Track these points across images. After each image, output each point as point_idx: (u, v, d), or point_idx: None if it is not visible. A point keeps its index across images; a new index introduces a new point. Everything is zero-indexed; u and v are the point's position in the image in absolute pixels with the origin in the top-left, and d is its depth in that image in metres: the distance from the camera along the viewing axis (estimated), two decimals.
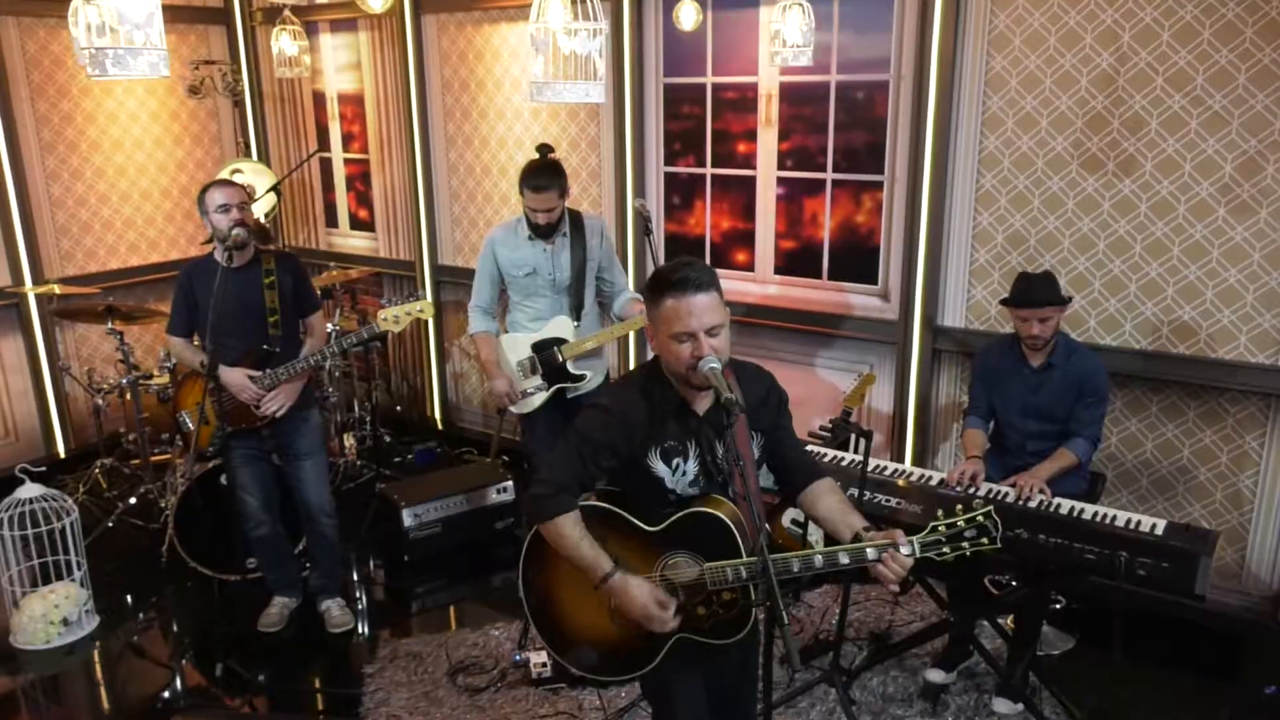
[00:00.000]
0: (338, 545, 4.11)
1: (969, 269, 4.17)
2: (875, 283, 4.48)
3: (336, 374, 5.38)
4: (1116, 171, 3.76)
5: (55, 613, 3.98)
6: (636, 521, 2.25)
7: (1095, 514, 3.15)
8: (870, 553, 2.06)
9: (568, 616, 2.38)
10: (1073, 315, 3.95)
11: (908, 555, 2.04)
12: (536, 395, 3.92)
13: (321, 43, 6.12)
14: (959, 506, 2.09)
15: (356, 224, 6.35)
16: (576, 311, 3.91)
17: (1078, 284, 3.92)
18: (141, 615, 4.27)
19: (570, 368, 3.90)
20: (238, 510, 3.93)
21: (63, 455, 5.71)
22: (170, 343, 3.90)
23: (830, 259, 4.58)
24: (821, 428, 4.09)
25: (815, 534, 3.92)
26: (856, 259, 4.50)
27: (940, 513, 2.08)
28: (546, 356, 3.90)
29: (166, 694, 3.70)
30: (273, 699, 3.65)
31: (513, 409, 3.99)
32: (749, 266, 4.82)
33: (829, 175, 4.48)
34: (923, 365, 4.32)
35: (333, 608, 4.10)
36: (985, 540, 2.03)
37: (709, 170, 4.81)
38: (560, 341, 3.89)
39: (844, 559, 2.08)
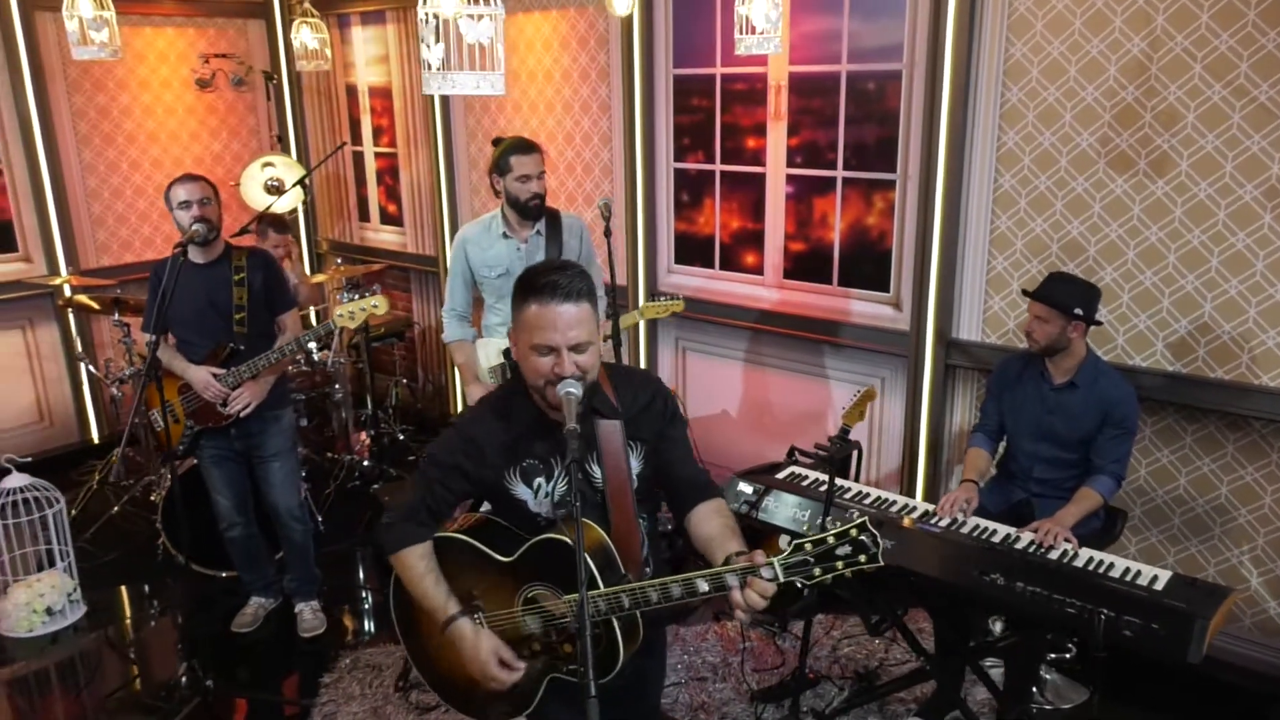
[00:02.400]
0: (309, 548, 4.02)
1: (985, 277, 3.79)
2: (887, 290, 4.14)
3: (342, 369, 5.32)
4: (1148, 171, 3.34)
5: (39, 602, 4.02)
6: (490, 552, 2.04)
7: (1090, 561, 2.78)
8: (730, 579, 1.79)
9: (443, 658, 2.19)
10: (1099, 331, 3.53)
11: (769, 580, 1.76)
12: None
13: (353, 36, 6.09)
14: (829, 520, 1.79)
15: (386, 218, 6.31)
16: None
17: (1105, 296, 3.48)
18: (129, 608, 4.29)
19: None
20: (212, 510, 3.90)
21: (96, 441, 5.85)
22: (145, 340, 3.88)
23: (840, 263, 4.26)
24: (818, 445, 3.79)
25: None
26: (867, 264, 4.17)
27: (808, 529, 1.79)
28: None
29: (132, 689, 3.69)
30: (209, 705, 3.56)
31: None
32: (758, 269, 4.53)
33: (839, 173, 4.15)
34: (935, 381, 3.96)
35: (305, 611, 4.03)
36: (863, 558, 1.72)
37: (718, 166, 4.54)
38: None
39: (704, 586, 1.81)
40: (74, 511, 4.86)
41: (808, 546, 1.75)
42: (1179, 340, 3.39)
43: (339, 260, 6.21)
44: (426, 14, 2.20)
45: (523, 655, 2.04)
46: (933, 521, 3.03)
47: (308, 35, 5.31)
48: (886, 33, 3.89)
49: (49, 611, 4.04)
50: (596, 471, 2.04)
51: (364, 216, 6.45)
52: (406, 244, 6.14)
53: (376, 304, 3.66)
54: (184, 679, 3.67)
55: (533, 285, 1.92)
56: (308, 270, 6.46)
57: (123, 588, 4.41)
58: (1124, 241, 3.44)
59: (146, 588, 4.41)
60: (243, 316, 3.70)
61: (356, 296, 3.79)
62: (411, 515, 2.05)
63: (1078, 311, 2.97)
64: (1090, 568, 2.75)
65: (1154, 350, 3.45)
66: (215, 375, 3.62)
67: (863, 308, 4.21)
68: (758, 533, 3.32)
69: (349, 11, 6.00)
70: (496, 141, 3.61)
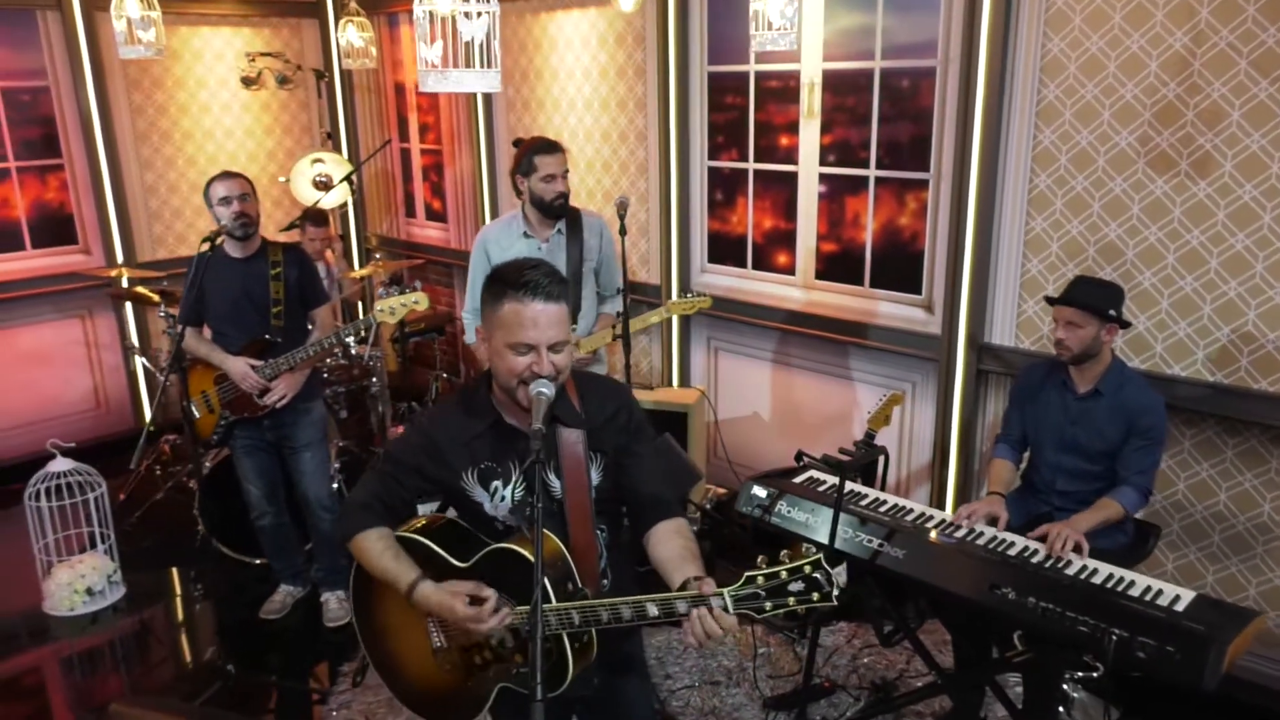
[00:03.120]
0: (337, 538, 4.08)
1: (1020, 280, 3.67)
2: (919, 292, 4.03)
3: (381, 363, 5.40)
4: (1190, 172, 3.19)
5: (80, 582, 4.16)
6: (446, 556, 2.03)
7: (1110, 578, 2.67)
8: (681, 606, 1.76)
9: (399, 660, 2.20)
10: (1137, 338, 3.40)
11: (719, 608, 1.72)
12: None
13: (401, 35, 6.17)
14: (785, 553, 1.74)
15: (431, 214, 6.38)
16: (573, 313, 3.69)
17: (1143, 302, 3.37)
18: (166, 591, 4.42)
19: None
20: (244, 499, 3.99)
21: (152, 428, 6.03)
22: (185, 332, 3.98)
23: (872, 264, 4.17)
24: (842, 450, 3.71)
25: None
26: (899, 265, 4.07)
27: (761, 559, 1.74)
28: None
29: (160, 670, 3.80)
30: (230, 689, 3.65)
31: None
32: (789, 270, 4.46)
33: (871, 172, 4.06)
34: (967, 387, 3.85)
35: (331, 600, 4.09)
36: (816, 595, 1.67)
37: (751, 165, 4.48)
38: None
39: (653, 610, 1.78)
40: (123, 496, 5.02)
41: (760, 579, 1.70)
42: (1221, 349, 3.24)
43: (378, 255, 6.29)
44: (423, 11, 2.20)
45: (474, 663, 2.03)
46: (949, 532, 2.95)
47: (353, 34, 5.40)
48: (921, 28, 3.79)
49: (89, 592, 4.18)
50: (555, 481, 2.01)
51: (410, 212, 6.54)
52: (449, 240, 6.21)
53: (418, 300, 3.69)
54: (211, 662, 3.76)
55: (510, 282, 1.90)
56: (356, 265, 6.58)
57: (161, 571, 4.54)
58: (1164, 245, 3.29)
59: (184, 572, 4.53)
60: (279, 310, 3.77)
61: (397, 291, 3.84)
62: (366, 507, 2.06)
63: (1112, 313, 2.85)
64: (1109, 585, 2.63)
65: (1194, 359, 3.30)
66: (254, 367, 3.70)
67: (894, 310, 4.11)
68: (774, 538, 3.26)
69: (397, 10, 6.08)
70: (517, 143, 3.63)
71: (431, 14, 2.22)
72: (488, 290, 1.93)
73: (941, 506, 3.95)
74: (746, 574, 1.72)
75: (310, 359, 3.72)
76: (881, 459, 3.88)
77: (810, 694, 3.45)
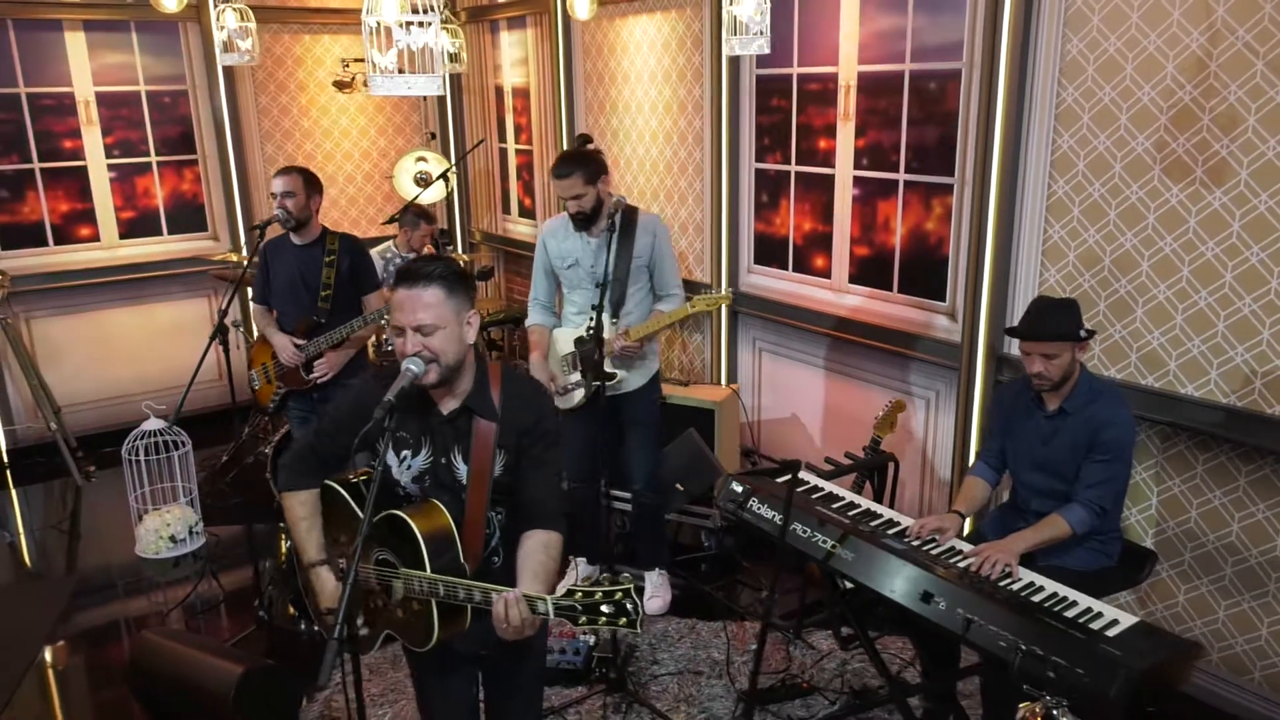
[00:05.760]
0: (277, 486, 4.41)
1: (1038, 290, 3.54)
2: (943, 299, 3.95)
3: None
4: (1205, 180, 3.01)
5: (166, 529, 4.70)
6: (357, 510, 2.24)
7: (1052, 597, 2.59)
8: (477, 595, 1.98)
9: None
10: (1151, 355, 3.23)
11: (541, 613, 1.89)
12: (577, 391, 3.94)
13: (500, 40, 6.51)
14: (605, 576, 1.88)
15: (523, 211, 6.70)
16: (616, 309, 3.84)
17: (1157, 317, 3.19)
18: (241, 544, 4.89)
19: (605, 365, 3.86)
20: None
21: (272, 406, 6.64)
22: (253, 309, 4.43)
23: (900, 269, 4.11)
24: (848, 455, 3.71)
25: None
26: (926, 271, 4.00)
27: (584, 580, 1.88)
28: (586, 352, 3.89)
29: (215, 611, 4.25)
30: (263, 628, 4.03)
31: (558, 403, 4.04)
32: (825, 273, 4.45)
33: (901, 175, 4.01)
34: (986, 397, 3.75)
35: None
36: (623, 620, 1.82)
37: (793, 167, 4.50)
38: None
39: (473, 595, 1.98)
40: (225, 458, 5.59)
41: (579, 596, 1.85)
42: (1234, 369, 3.03)
43: (450, 247, 6.65)
44: (369, 22, 2.43)
45: (368, 609, 2.23)
46: (905, 541, 2.92)
47: (446, 40, 5.76)
48: (948, 29, 3.72)
49: (173, 539, 4.71)
50: (460, 464, 2.19)
51: (506, 209, 6.89)
52: (536, 236, 6.49)
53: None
54: (254, 609, 4.17)
55: (400, 272, 2.10)
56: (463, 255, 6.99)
57: (240, 528, 5.02)
58: (1178, 256, 3.11)
59: (258, 530, 4.99)
60: (328, 294, 4.14)
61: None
62: (300, 459, 2.29)
63: (1083, 333, 2.75)
64: (1045, 603, 2.55)
65: (1208, 379, 3.10)
66: (297, 345, 4.08)
67: (919, 316, 4.04)
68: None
69: (498, 18, 6.43)
70: (579, 139, 3.82)
71: (380, 24, 2.44)
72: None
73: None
74: (569, 588, 1.88)
75: (349, 339, 4.06)
76: (891, 466, 3.83)
77: (786, 692, 3.48)
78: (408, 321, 2.06)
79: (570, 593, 1.86)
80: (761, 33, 2.86)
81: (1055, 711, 3.35)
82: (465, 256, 6.30)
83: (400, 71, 2.48)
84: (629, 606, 1.82)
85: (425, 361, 2.06)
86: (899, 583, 2.73)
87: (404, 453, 2.22)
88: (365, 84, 6.52)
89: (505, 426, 2.18)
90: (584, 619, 1.83)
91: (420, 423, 2.21)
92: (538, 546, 2.13)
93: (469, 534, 2.16)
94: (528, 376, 2.45)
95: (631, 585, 1.84)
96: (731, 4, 2.89)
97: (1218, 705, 3.22)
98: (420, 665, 2.42)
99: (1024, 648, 2.35)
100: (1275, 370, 2.93)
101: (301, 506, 2.28)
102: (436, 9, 2.43)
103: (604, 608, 1.82)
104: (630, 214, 3.81)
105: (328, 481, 2.32)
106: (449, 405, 2.20)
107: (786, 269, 4.66)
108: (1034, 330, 2.80)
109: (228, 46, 4.69)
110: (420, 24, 2.45)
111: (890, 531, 2.99)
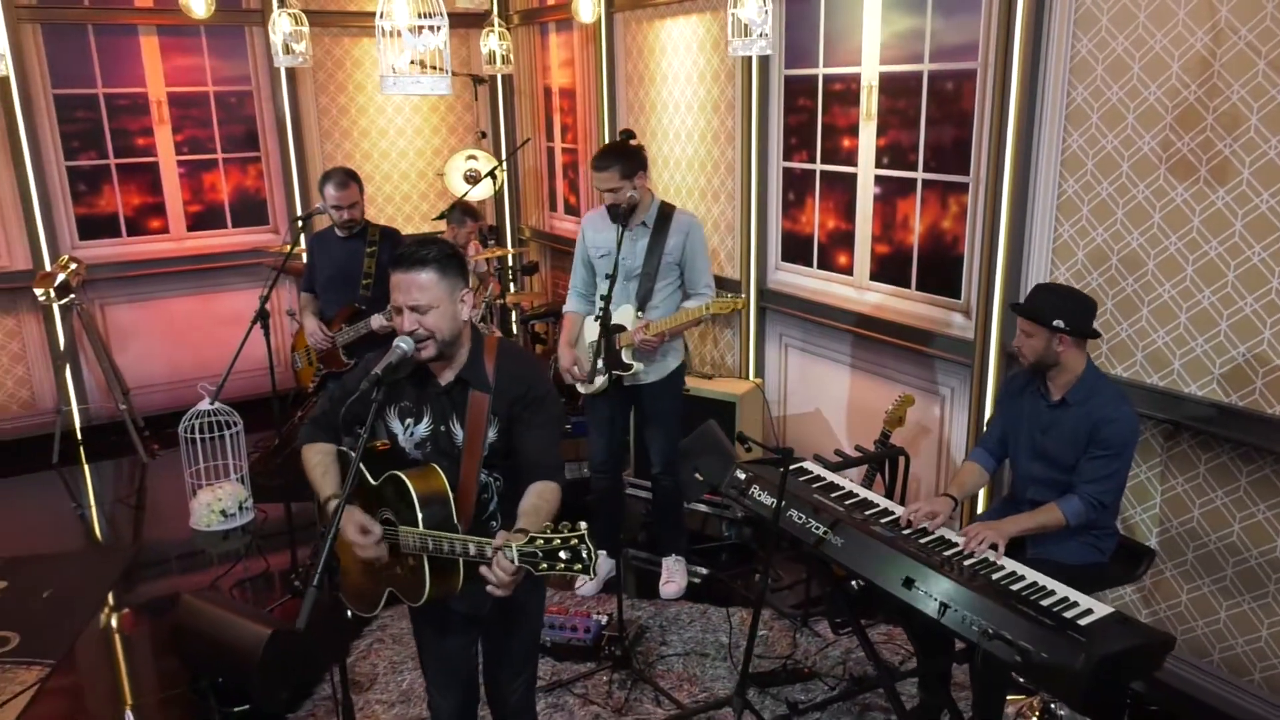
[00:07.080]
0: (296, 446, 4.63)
1: None
2: (959, 297, 3.99)
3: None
4: (1209, 179, 3.02)
5: (217, 504, 4.99)
6: (366, 475, 2.41)
7: (1030, 586, 2.64)
8: (489, 552, 2.05)
9: (343, 562, 2.61)
10: (1156, 354, 3.24)
11: (510, 562, 1.99)
12: (600, 377, 4.09)
13: (550, 42, 6.70)
14: (565, 524, 1.99)
15: (568, 208, 6.88)
16: (643, 302, 3.97)
17: (1162, 316, 3.20)
18: (286, 521, 5.15)
19: (623, 356, 4.00)
20: None
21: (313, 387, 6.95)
22: (300, 297, 4.70)
23: (918, 267, 4.16)
24: (858, 448, 3.78)
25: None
26: (942, 268, 4.04)
27: (547, 525, 2.00)
28: (610, 341, 4.04)
29: (258, 582, 4.51)
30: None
31: (580, 388, 4.20)
32: (848, 270, 4.51)
33: (919, 174, 4.06)
34: (997, 394, 3.78)
35: None
36: (578, 566, 1.94)
37: (818, 166, 4.57)
38: (621, 329, 4.01)
39: (471, 549, 2.10)
40: (277, 440, 5.88)
41: (540, 541, 1.97)
42: (1235, 369, 3.03)
43: (491, 241, 6.84)
44: (383, 26, 2.61)
45: (374, 569, 2.40)
46: (891, 527, 2.99)
47: (494, 43, 5.97)
48: (964, 29, 3.77)
49: (224, 513, 4.99)
50: (458, 431, 2.35)
51: (553, 206, 7.08)
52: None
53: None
54: (291, 581, 4.42)
55: (396, 255, 2.27)
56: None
57: (287, 505, 5.29)
58: (1182, 256, 3.12)
59: (304, 508, 5.25)
60: (369, 283, 4.38)
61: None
62: (316, 422, 2.48)
63: (1057, 324, 2.79)
64: (1022, 591, 2.61)
65: (1210, 379, 3.10)
66: (327, 334, 4.35)
67: (936, 314, 4.09)
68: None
69: (548, 20, 6.62)
70: (622, 134, 3.98)
71: (392, 26, 2.62)
72: None
73: (973, 515, 3.89)
74: (531, 535, 2.00)
75: (379, 328, 4.28)
76: (901, 460, 3.89)
77: (786, 676, 3.58)
78: (404, 301, 2.23)
79: (531, 539, 1.98)
80: (763, 34, 2.96)
81: (1053, 705, 3.41)
82: (508, 251, 6.48)
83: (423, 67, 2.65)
84: (583, 553, 1.93)
85: (419, 339, 2.22)
86: (885, 569, 2.80)
87: (407, 420, 2.40)
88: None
89: (498, 396, 2.33)
90: (544, 565, 1.95)
91: (421, 394, 2.38)
92: (531, 493, 2.29)
93: (463, 495, 2.32)
94: (521, 349, 2.60)
95: (586, 531, 1.95)
96: (735, 6, 2.99)
97: (1218, 705, 3.22)
98: (421, 624, 2.59)
99: (991, 631, 2.42)
100: (1276, 370, 2.93)
101: (317, 454, 2.44)
102: (443, 13, 2.60)
103: (561, 553, 1.94)
104: (667, 211, 3.93)
105: (349, 452, 2.48)
106: (446, 377, 2.36)
107: (811, 266, 4.73)
108: (1022, 306, 2.88)
109: (285, 49, 4.96)
110: (431, 28, 2.62)
111: (883, 520, 3.06)
